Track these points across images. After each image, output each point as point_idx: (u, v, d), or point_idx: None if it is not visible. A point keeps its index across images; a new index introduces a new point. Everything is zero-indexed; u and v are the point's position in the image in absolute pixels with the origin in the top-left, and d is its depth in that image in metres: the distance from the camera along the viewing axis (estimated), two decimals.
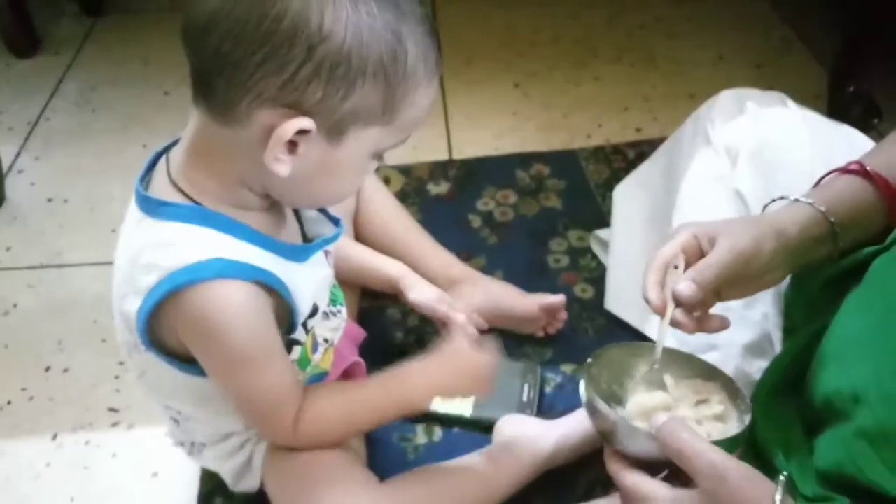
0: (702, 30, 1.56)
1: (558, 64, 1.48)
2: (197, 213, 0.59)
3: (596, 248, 1.09)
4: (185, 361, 0.65)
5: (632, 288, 0.92)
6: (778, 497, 0.50)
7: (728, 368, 0.81)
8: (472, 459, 0.80)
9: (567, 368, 0.93)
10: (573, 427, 0.82)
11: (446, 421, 0.88)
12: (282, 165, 0.56)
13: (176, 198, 0.60)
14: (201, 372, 0.65)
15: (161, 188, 0.62)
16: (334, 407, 0.69)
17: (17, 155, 1.32)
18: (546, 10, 1.63)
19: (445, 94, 1.40)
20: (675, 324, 0.61)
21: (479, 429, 0.87)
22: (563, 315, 0.96)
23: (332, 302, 0.75)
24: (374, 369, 0.83)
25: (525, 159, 1.23)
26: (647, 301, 0.61)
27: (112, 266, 1.12)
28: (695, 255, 0.62)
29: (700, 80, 1.42)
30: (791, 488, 0.53)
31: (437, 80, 0.61)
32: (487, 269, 1.05)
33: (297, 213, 0.71)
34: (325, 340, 0.74)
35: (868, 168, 0.65)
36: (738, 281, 0.61)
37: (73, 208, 1.21)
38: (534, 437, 0.81)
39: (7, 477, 0.87)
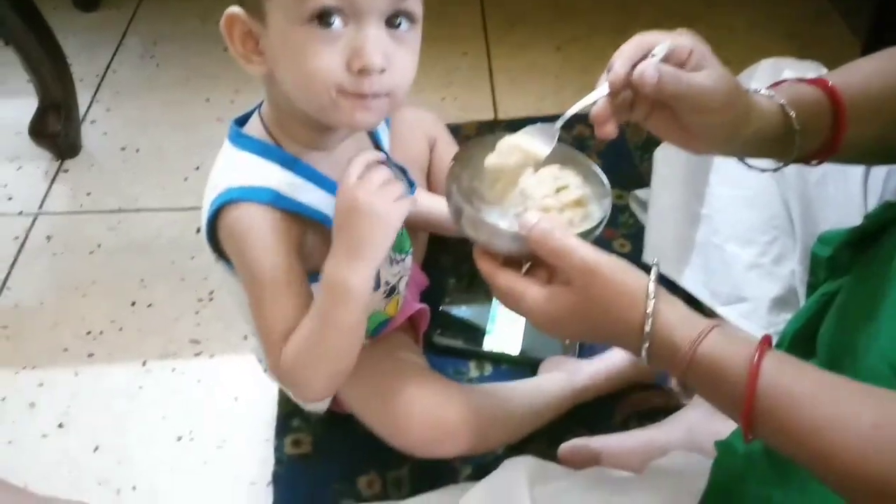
0: None
1: (598, 28, 1.53)
2: (265, 148, 0.66)
3: (634, 207, 1.17)
4: None
5: (670, 241, 1.02)
6: (651, 286, 0.51)
7: (757, 319, 0.91)
8: (521, 384, 0.90)
9: None
10: (604, 364, 0.92)
11: (496, 359, 0.98)
12: (254, 66, 0.61)
13: (261, 134, 0.67)
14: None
15: (252, 124, 0.69)
16: (299, 330, 0.64)
17: (90, 106, 1.40)
18: None
19: (490, 57, 1.47)
20: (597, 115, 0.56)
21: (525, 366, 0.97)
22: None
23: (398, 250, 0.82)
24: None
25: (567, 121, 1.30)
26: (609, 68, 0.55)
27: (185, 211, 1.23)
28: (678, 60, 0.55)
29: (735, 47, 1.47)
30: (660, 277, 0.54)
31: None
32: None
33: None
34: (387, 283, 0.80)
35: (829, 83, 0.62)
36: (688, 114, 0.56)
37: (145, 157, 1.30)
38: (571, 370, 0.92)
39: (106, 397, 0.98)
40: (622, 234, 1.13)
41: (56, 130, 1.25)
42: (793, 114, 0.59)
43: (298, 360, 0.64)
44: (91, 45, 1.53)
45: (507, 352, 0.98)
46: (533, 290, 0.55)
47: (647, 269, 1.10)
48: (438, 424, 0.77)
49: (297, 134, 0.67)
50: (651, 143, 1.18)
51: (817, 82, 0.62)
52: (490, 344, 0.98)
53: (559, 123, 0.59)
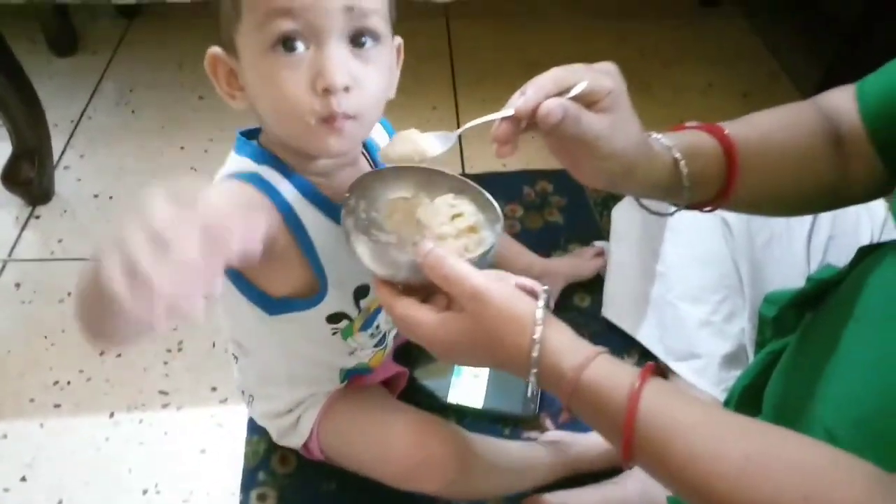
0: (694, 59, 1.68)
1: None
2: (264, 155, 0.66)
3: None
4: (246, 283, 0.69)
5: (627, 297, 1.06)
6: (539, 313, 0.53)
7: (709, 375, 0.95)
8: (512, 441, 0.93)
9: None
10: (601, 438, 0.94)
11: (460, 411, 1.01)
12: (237, 102, 0.63)
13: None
14: (255, 299, 0.70)
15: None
16: None
17: (63, 152, 1.41)
18: (555, 34, 1.74)
19: (459, 112, 1.52)
20: (499, 134, 0.56)
21: (488, 419, 1.00)
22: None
23: None
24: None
25: (531, 176, 1.35)
26: (522, 92, 0.55)
27: None
28: (591, 99, 0.55)
29: (691, 107, 1.54)
30: (550, 303, 0.56)
31: None
32: None
33: None
34: (378, 328, 0.80)
35: (726, 132, 0.64)
36: (581, 155, 0.57)
37: (118, 205, 1.31)
38: (568, 441, 0.93)
39: (71, 449, 0.98)
40: (582, 286, 1.17)
41: (29, 177, 1.26)
42: (685, 171, 0.61)
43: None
44: (67, 91, 1.54)
45: (471, 404, 1.00)
46: (428, 317, 0.56)
47: (605, 321, 1.14)
48: (421, 453, 0.78)
49: (291, 161, 0.66)
50: (611, 200, 1.23)
51: (715, 130, 0.64)
52: (454, 396, 1.01)
53: (458, 132, 0.60)
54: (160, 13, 1.74)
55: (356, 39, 0.59)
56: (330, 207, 0.67)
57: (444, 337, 0.55)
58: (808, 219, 0.94)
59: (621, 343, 1.07)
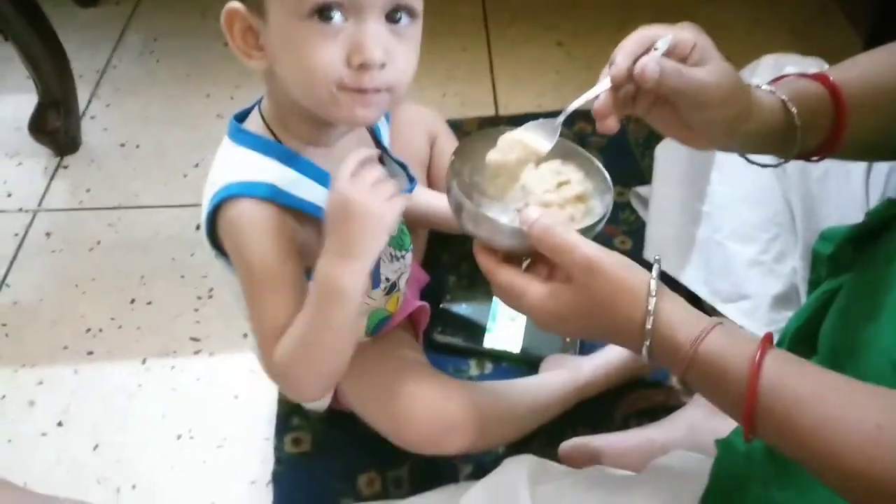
0: None
1: (599, 24, 1.53)
2: (264, 144, 0.66)
3: (635, 204, 1.16)
4: None
5: (670, 238, 1.01)
6: (653, 283, 0.51)
7: (758, 317, 0.91)
8: (523, 381, 0.90)
9: None
10: (605, 360, 0.92)
11: (497, 357, 0.98)
12: (255, 61, 0.61)
13: (261, 129, 0.67)
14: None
15: (252, 119, 0.69)
16: (292, 328, 0.63)
17: (89, 102, 1.40)
18: None
19: (491, 52, 1.46)
20: (599, 108, 0.55)
21: (526, 364, 0.97)
22: None
23: (398, 247, 0.82)
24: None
25: (569, 116, 1.29)
26: (611, 62, 0.55)
27: (185, 208, 1.23)
28: (680, 55, 0.55)
29: (736, 43, 1.46)
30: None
31: None
32: None
33: (382, 164, 0.77)
34: (387, 280, 0.80)
35: (831, 78, 0.62)
36: (689, 110, 0.56)
37: (145, 153, 1.30)
38: (572, 367, 0.91)
39: (105, 395, 0.98)
40: (623, 230, 1.13)
41: (56, 127, 1.25)
42: (794, 110, 0.59)
43: (291, 359, 0.63)
44: (91, 41, 1.52)
45: (508, 350, 0.97)
46: (534, 287, 0.54)
47: (648, 266, 1.11)
48: (440, 421, 0.77)
49: (296, 130, 0.67)
50: (653, 140, 1.18)
51: (818, 77, 0.62)
52: (490, 342, 0.98)
53: (561, 118, 0.59)
54: None
55: (392, 15, 0.58)
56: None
57: (552, 308, 0.54)
58: None
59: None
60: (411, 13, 0.59)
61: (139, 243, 1.16)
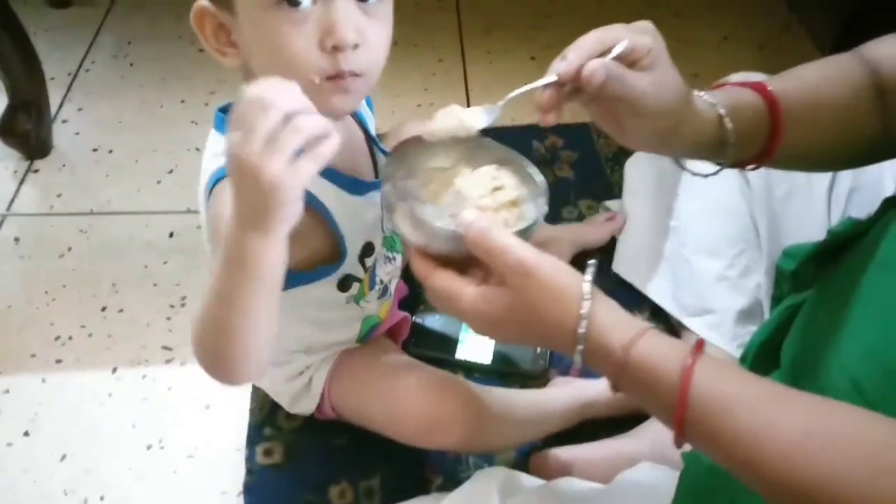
0: (708, 11, 1.63)
1: (572, 38, 1.54)
2: None
3: None
4: None
5: (639, 252, 1.04)
6: (586, 287, 0.50)
7: (723, 331, 0.93)
8: (525, 391, 0.92)
9: None
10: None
11: (469, 368, 0.99)
12: (229, 59, 0.60)
13: None
14: None
15: None
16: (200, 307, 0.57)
17: (61, 105, 1.38)
18: None
19: (466, 64, 1.48)
20: (543, 102, 0.55)
21: (497, 375, 0.98)
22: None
23: (389, 248, 0.81)
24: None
25: (540, 131, 1.31)
26: (562, 56, 0.54)
27: (158, 215, 1.22)
28: (632, 59, 0.55)
29: (704, 59, 1.50)
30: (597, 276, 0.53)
31: None
32: None
33: (371, 153, 0.76)
34: (381, 282, 0.80)
35: (769, 88, 0.63)
36: (626, 116, 0.57)
37: (118, 159, 1.29)
38: (579, 387, 0.91)
39: (74, 404, 0.97)
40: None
41: (26, 130, 1.23)
42: (729, 126, 0.60)
43: (193, 335, 0.57)
44: (63, 43, 1.51)
45: (480, 361, 0.98)
46: (468, 291, 0.54)
47: (616, 277, 1.12)
48: (436, 412, 0.77)
49: None
50: (622, 156, 1.20)
51: (758, 88, 0.63)
52: (463, 353, 0.99)
53: (501, 103, 0.58)
54: None
55: None
56: (331, 172, 0.66)
57: (485, 311, 0.53)
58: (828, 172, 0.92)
59: (632, 299, 1.04)
60: None
61: (111, 250, 1.15)
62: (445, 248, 0.55)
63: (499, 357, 0.99)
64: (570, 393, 0.90)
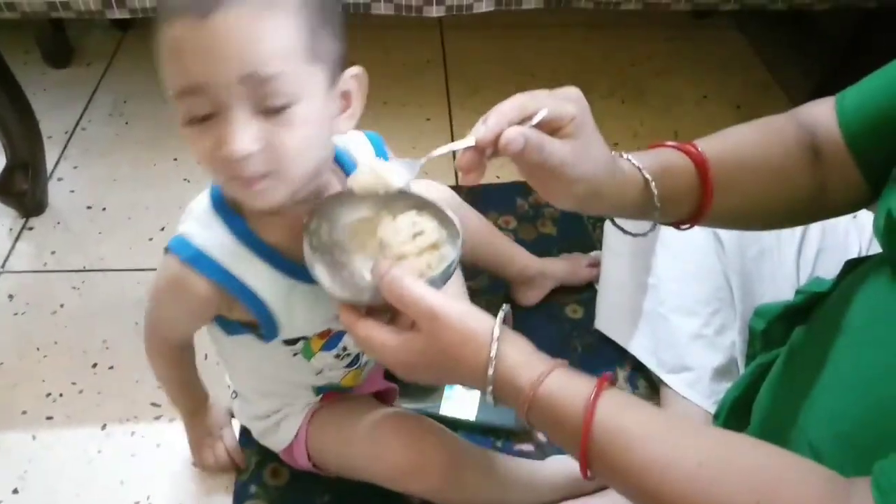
0: (688, 70, 1.69)
1: None
2: (221, 199, 0.68)
3: None
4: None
5: (619, 309, 1.06)
6: (496, 331, 0.53)
7: (700, 388, 0.95)
8: (515, 459, 0.93)
9: None
10: None
11: (453, 424, 1.01)
12: None
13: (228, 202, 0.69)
14: (223, 328, 0.76)
15: None
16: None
17: (57, 163, 1.42)
18: (546, 45, 1.75)
19: (453, 123, 1.53)
20: (463, 163, 0.56)
21: (481, 432, 1.00)
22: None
23: None
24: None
25: (524, 188, 1.35)
26: (484, 120, 0.55)
27: (150, 272, 1.24)
28: (554, 126, 0.56)
29: (685, 117, 1.55)
30: (509, 319, 0.56)
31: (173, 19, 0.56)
32: (488, 288, 1.18)
33: None
34: (345, 349, 0.81)
35: (699, 149, 0.64)
36: (546, 181, 0.58)
37: (112, 216, 1.32)
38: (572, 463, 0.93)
39: (64, 461, 0.98)
40: (575, 299, 1.17)
41: (23, 189, 1.26)
42: (655, 191, 0.61)
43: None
44: (61, 102, 1.55)
45: (464, 417, 1.00)
46: (388, 338, 0.57)
47: (598, 334, 1.15)
48: (413, 453, 0.79)
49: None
50: None
51: (688, 150, 0.64)
52: (447, 409, 1.01)
53: (423, 160, 0.60)
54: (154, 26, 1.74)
55: (263, 105, 0.56)
56: (276, 257, 0.68)
57: (405, 358, 0.56)
58: (797, 233, 0.95)
59: (614, 355, 1.07)
60: (285, 99, 0.57)
61: (103, 307, 1.17)
62: (370, 300, 0.58)
63: (483, 412, 1.01)
64: (563, 467, 0.90)
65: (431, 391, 1.02)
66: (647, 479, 0.48)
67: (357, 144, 0.75)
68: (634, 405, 0.52)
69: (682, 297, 0.99)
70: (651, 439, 0.50)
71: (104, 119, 1.53)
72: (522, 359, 0.54)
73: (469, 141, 0.55)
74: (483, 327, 0.54)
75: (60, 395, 1.06)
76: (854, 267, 0.73)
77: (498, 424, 1.00)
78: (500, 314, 0.55)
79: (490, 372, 0.53)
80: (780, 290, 0.93)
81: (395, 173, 0.60)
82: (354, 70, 0.65)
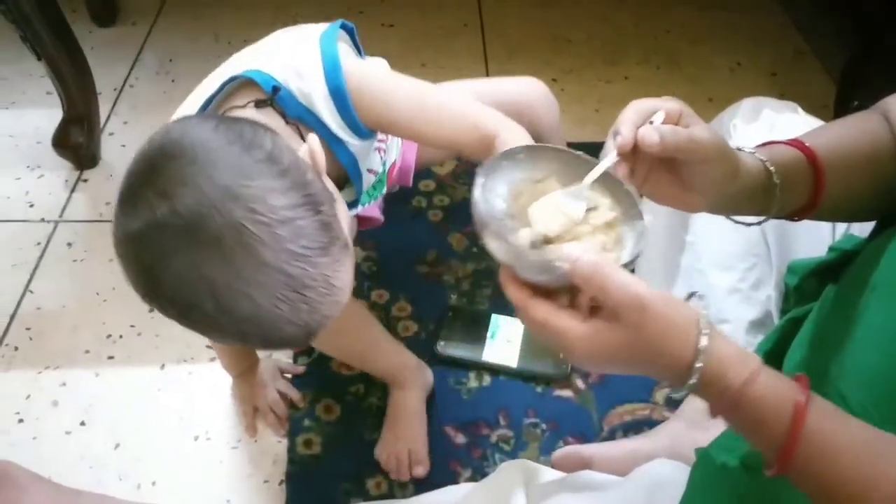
0: (722, 37, 1.70)
1: (590, 62, 1.63)
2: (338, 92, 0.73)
3: None
4: None
5: (658, 266, 1.10)
6: (703, 321, 0.51)
7: (736, 340, 0.98)
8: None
9: None
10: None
11: (495, 370, 1.06)
12: None
13: None
14: None
15: None
16: None
17: (108, 118, 1.46)
18: (581, 10, 1.77)
19: None
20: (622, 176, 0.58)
21: (522, 378, 1.04)
22: None
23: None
24: None
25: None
26: (614, 135, 0.57)
27: None
28: (671, 121, 0.58)
29: (719, 85, 1.57)
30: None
31: None
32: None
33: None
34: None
35: (806, 143, 0.66)
36: (690, 166, 0.59)
37: None
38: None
39: (125, 397, 1.04)
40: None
41: (78, 142, 1.31)
42: (773, 169, 0.64)
43: None
44: (108, 60, 1.59)
45: (506, 364, 1.05)
46: (575, 327, 0.52)
47: None
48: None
49: None
50: None
51: (796, 144, 0.67)
52: (489, 355, 1.05)
53: (584, 190, 0.57)
54: None
55: None
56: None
57: (596, 348, 0.52)
58: None
59: None
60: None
61: None
62: (545, 280, 0.52)
63: (524, 360, 1.05)
64: None
65: (474, 339, 1.07)
66: (847, 493, 0.49)
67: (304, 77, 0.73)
68: (840, 416, 0.52)
69: (720, 253, 1.01)
70: (856, 453, 0.49)
71: (151, 77, 1.57)
72: (732, 355, 0.51)
73: (613, 157, 0.57)
74: (687, 317, 0.51)
75: (120, 336, 1.11)
76: (888, 224, 0.75)
77: (538, 371, 1.04)
78: (696, 302, 0.54)
79: (698, 364, 0.50)
80: (816, 246, 0.95)
81: (574, 207, 0.56)
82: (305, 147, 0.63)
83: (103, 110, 1.45)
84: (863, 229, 0.93)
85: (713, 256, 1.02)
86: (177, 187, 0.54)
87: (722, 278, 1.01)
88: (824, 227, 0.98)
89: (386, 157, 0.90)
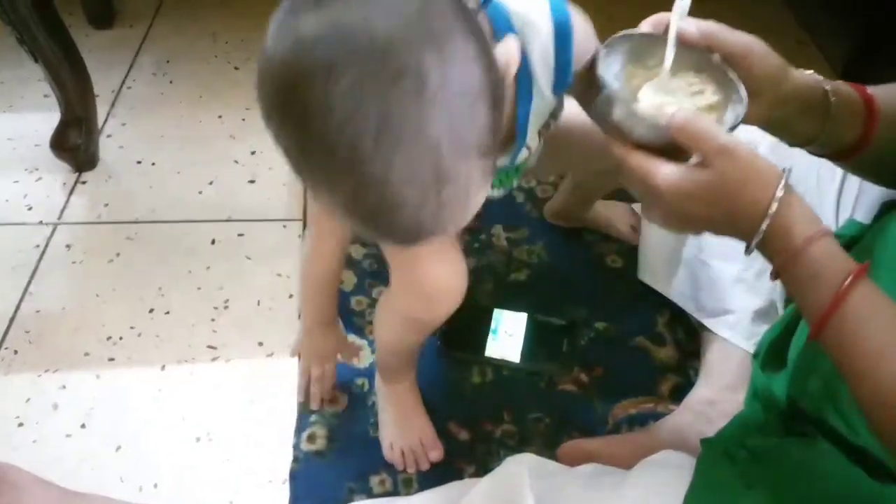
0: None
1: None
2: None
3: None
4: None
5: (660, 258, 1.09)
6: (785, 173, 0.55)
7: (740, 329, 0.98)
8: None
9: (600, 325, 1.10)
10: None
11: (497, 366, 1.05)
12: None
13: None
14: None
15: None
16: None
17: (105, 120, 1.46)
18: (577, 1, 1.75)
19: None
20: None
21: (525, 374, 1.04)
22: None
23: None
24: None
25: None
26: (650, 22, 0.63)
27: (200, 223, 1.28)
28: None
29: None
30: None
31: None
32: (530, 239, 1.21)
33: None
34: None
35: (868, 90, 0.67)
36: (740, 61, 0.62)
37: (161, 171, 1.36)
38: None
39: (126, 399, 1.03)
40: (614, 250, 1.20)
41: (76, 144, 1.30)
42: (829, 88, 0.64)
43: None
44: (106, 62, 1.58)
45: (508, 359, 1.04)
46: (665, 168, 0.56)
47: (636, 283, 1.17)
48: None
49: None
50: None
51: (853, 84, 0.67)
52: (491, 351, 1.05)
53: (668, 68, 0.61)
54: None
55: None
56: None
57: (683, 188, 0.55)
58: (838, 177, 0.96)
59: (655, 302, 1.10)
60: None
61: (157, 256, 1.21)
62: (645, 134, 0.57)
63: (527, 356, 1.04)
64: None
65: (477, 335, 1.06)
66: (882, 366, 0.51)
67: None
68: (885, 301, 0.54)
69: (722, 243, 1.00)
70: (893, 333, 0.52)
71: (148, 79, 1.57)
72: (804, 210, 0.55)
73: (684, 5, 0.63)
74: (771, 169, 0.55)
75: (120, 338, 1.10)
76: (891, 207, 0.75)
77: (541, 366, 1.03)
78: (788, 169, 0.56)
79: (772, 210, 0.54)
80: None
81: (681, 93, 0.62)
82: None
83: (101, 112, 1.45)
84: (867, 214, 0.92)
85: (716, 247, 1.01)
86: (379, 4, 0.47)
87: (726, 268, 1.00)
88: (828, 214, 0.97)
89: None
